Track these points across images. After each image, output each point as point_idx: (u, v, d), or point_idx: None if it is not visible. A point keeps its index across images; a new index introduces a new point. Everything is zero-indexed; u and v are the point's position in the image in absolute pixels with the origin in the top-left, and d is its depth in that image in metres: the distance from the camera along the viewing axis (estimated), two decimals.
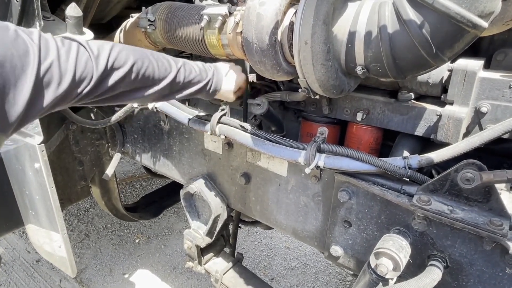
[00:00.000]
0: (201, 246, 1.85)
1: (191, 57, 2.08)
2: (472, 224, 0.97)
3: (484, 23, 0.88)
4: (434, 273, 1.02)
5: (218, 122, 1.50)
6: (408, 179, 1.16)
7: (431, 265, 1.06)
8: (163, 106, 1.73)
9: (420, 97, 1.34)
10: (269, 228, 2.20)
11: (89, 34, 1.58)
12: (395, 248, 1.02)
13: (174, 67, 1.19)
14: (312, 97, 1.24)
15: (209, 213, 1.77)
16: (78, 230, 3.83)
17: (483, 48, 1.34)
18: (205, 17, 1.40)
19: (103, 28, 2.13)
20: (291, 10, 1.21)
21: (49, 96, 0.85)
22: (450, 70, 1.20)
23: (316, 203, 1.41)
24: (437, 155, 1.10)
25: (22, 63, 0.78)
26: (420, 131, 1.30)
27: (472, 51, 1.31)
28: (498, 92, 1.15)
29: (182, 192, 1.84)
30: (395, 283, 1.03)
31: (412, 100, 1.31)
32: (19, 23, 1.46)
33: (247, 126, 1.45)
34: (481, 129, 1.20)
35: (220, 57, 1.55)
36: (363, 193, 1.24)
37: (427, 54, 0.96)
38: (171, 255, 3.57)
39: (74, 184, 2.34)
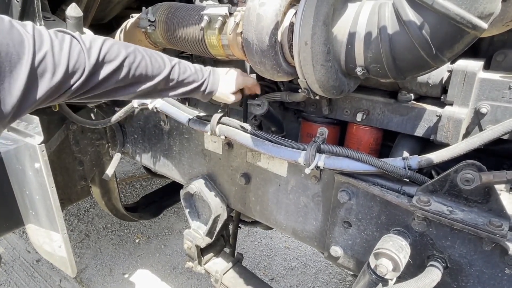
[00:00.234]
0: (201, 246, 1.86)
1: (191, 57, 2.09)
2: (472, 225, 0.97)
3: (484, 24, 0.88)
4: (433, 274, 1.02)
5: (218, 122, 1.50)
6: (407, 180, 1.16)
7: (431, 265, 1.06)
8: (163, 106, 1.73)
9: (420, 98, 1.34)
10: (269, 228, 2.20)
11: (89, 34, 1.58)
12: (394, 249, 1.02)
13: (168, 64, 1.19)
14: (312, 97, 1.24)
15: (209, 213, 1.77)
16: (78, 230, 3.83)
17: (483, 49, 1.34)
18: (205, 17, 1.40)
19: (104, 28, 2.13)
20: (291, 11, 1.21)
21: (43, 87, 0.86)
22: (450, 71, 1.20)
23: (316, 203, 1.42)
24: (436, 156, 1.10)
25: (17, 52, 0.79)
26: (420, 131, 1.31)
27: (472, 52, 1.31)
28: (497, 93, 1.15)
29: (182, 192, 1.85)
30: (394, 283, 1.03)
31: (412, 101, 1.31)
32: None
33: (247, 126, 1.45)
34: (480, 130, 1.20)
35: (220, 57, 1.56)
36: (363, 194, 1.24)
37: (427, 55, 0.96)
38: (171, 255, 3.57)
39: (74, 184, 2.35)
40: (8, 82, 0.78)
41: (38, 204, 1.80)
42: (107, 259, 3.47)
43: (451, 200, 1.05)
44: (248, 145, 1.41)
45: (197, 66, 1.33)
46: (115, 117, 1.97)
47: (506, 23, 1.10)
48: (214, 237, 1.85)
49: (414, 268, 1.14)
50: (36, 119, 1.70)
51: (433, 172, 1.37)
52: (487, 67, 1.28)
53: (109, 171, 2.27)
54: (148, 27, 1.63)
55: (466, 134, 1.23)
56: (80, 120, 2.05)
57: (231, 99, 1.44)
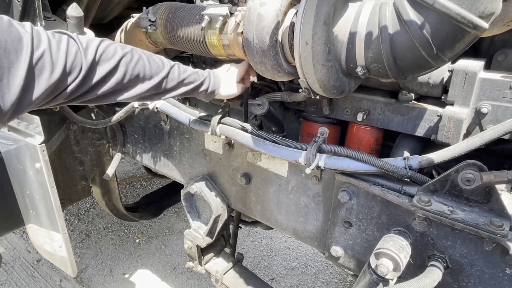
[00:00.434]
0: (202, 246, 1.86)
1: (191, 57, 2.09)
2: (473, 225, 0.97)
3: (485, 24, 0.88)
4: (434, 274, 1.02)
5: (219, 122, 1.50)
6: (408, 180, 1.16)
7: (432, 265, 1.06)
8: (164, 106, 1.73)
9: (420, 98, 1.34)
10: (270, 228, 2.20)
11: (90, 34, 1.58)
12: (395, 249, 1.02)
13: (167, 65, 1.20)
14: (313, 97, 1.24)
15: (210, 213, 1.77)
16: (79, 230, 3.83)
17: (483, 49, 1.34)
18: (206, 17, 1.40)
19: (104, 28, 2.13)
20: (292, 11, 1.21)
21: (42, 85, 0.86)
22: (451, 71, 1.20)
23: (316, 203, 1.42)
24: (437, 156, 1.10)
25: (15, 49, 0.80)
26: (420, 131, 1.30)
27: (473, 52, 1.31)
28: (498, 93, 1.15)
29: (182, 192, 1.85)
30: (395, 283, 1.03)
31: (413, 101, 1.31)
32: None
33: (248, 126, 1.45)
34: (481, 129, 1.20)
35: (221, 57, 1.56)
36: (363, 194, 1.24)
37: (428, 54, 0.96)
38: (172, 255, 3.57)
39: (74, 184, 2.35)
40: (7, 78, 0.79)
41: (39, 204, 1.80)
42: (108, 259, 3.47)
43: (452, 200, 1.05)
44: (248, 145, 1.41)
45: (196, 69, 1.34)
46: (115, 117, 1.97)
47: (507, 23, 1.10)
48: (214, 237, 1.85)
49: (414, 268, 1.14)
50: (36, 119, 1.70)
51: (433, 172, 1.37)
52: (488, 67, 1.28)
53: (110, 171, 2.27)
54: (149, 27, 1.63)
55: (467, 134, 1.23)
56: (81, 120, 2.05)
57: (237, 90, 1.42)
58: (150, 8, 1.66)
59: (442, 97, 1.24)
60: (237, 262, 1.96)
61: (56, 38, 0.91)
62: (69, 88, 0.93)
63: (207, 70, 1.37)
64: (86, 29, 1.58)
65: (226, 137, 1.50)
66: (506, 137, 1.05)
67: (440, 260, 1.08)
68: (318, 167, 1.24)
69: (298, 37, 1.09)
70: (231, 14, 1.38)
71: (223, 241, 2.06)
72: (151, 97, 1.21)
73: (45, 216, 1.81)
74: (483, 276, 1.04)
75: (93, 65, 0.97)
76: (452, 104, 1.21)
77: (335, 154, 1.23)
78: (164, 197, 3.17)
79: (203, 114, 1.63)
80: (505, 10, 1.03)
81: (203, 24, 1.40)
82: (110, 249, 3.60)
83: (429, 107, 1.27)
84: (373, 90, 1.43)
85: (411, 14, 0.93)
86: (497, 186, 0.99)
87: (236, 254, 2.08)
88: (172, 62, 1.23)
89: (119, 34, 1.89)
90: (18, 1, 1.44)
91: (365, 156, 1.15)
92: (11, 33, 0.80)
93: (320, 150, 1.25)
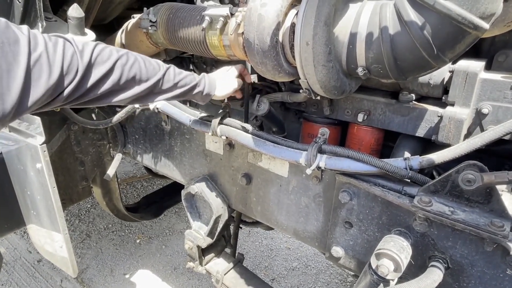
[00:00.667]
0: (202, 247, 1.86)
1: (192, 58, 2.09)
2: (473, 225, 0.97)
3: (485, 25, 0.88)
4: (435, 274, 1.02)
5: (220, 122, 1.50)
6: (409, 180, 1.16)
7: (432, 266, 1.06)
8: (165, 106, 1.74)
9: (421, 98, 1.34)
10: (270, 228, 2.21)
11: (91, 35, 1.58)
12: (396, 249, 1.02)
13: (162, 67, 1.21)
14: (313, 98, 1.24)
15: (210, 214, 1.77)
16: (79, 230, 3.83)
17: (484, 49, 1.34)
18: (207, 18, 1.41)
19: (105, 29, 2.13)
20: (293, 11, 1.21)
21: (41, 87, 0.87)
22: (451, 71, 1.20)
23: (317, 204, 1.42)
24: (438, 156, 1.10)
25: (13, 51, 0.81)
26: (421, 132, 1.30)
27: (473, 52, 1.31)
28: (499, 93, 1.15)
29: (183, 192, 1.85)
30: (396, 284, 1.03)
31: (413, 101, 1.31)
32: (21, 24, 1.47)
33: (248, 127, 1.45)
34: (482, 130, 1.20)
35: (222, 58, 1.56)
36: (364, 194, 1.24)
37: (428, 55, 0.96)
38: (172, 255, 3.57)
39: (75, 184, 2.35)
40: (6, 80, 0.80)
41: (40, 204, 1.81)
42: (108, 260, 3.48)
43: (452, 200, 1.05)
44: (249, 145, 1.41)
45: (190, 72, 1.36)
46: (116, 118, 1.97)
47: (507, 24, 1.10)
48: (215, 238, 1.85)
49: (415, 269, 1.14)
50: (37, 119, 1.70)
51: (434, 173, 1.37)
52: (488, 68, 1.28)
53: (110, 171, 2.27)
54: (150, 28, 1.63)
55: (468, 135, 1.23)
56: (82, 120, 2.06)
57: (233, 86, 1.43)
58: (151, 8, 1.67)
59: (443, 98, 1.24)
60: (238, 263, 1.96)
61: (52, 41, 0.92)
62: (67, 90, 0.94)
63: (203, 74, 1.39)
64: (87, 30, 1.58)
65: (226, 137, 1.50)
66: (507, 137, 1.05)
67: (441, 261, 1.08)
68: (318, 167, 1.24)
69: (299, 37, 1.09)
70: (232, 14, 1.38)
71: (223, 242, 2.06)
72: (146, 98, 1.22)
73: (46, 216, 1.82)
74: (484, 277, 1.04)
75: (89, 67, 0.98)
76: (452, 105, 1.21)
77: (336, 154, 1.23)
78: (165, 198, 3.17)
79: (203, 114, 1.64)
80: (505, 11, 1.03)
81: (204, 24, 1.41)
82: (110, 250, 3.60)
83: (430, 107, 1.27)
84: (374, 91, 1.43)
85: (412, 15, 0.93)
86: (498, 187, 0.99)
87: (236, 254, 2.09)
88: (168, 64, 1.25)
89: (120, 34, 1.89)
90: (20, 2, 1.44)
91: (366, 157, 1.15)
92: (8, 35, 0.81)
93: (321, 151, 1.25)
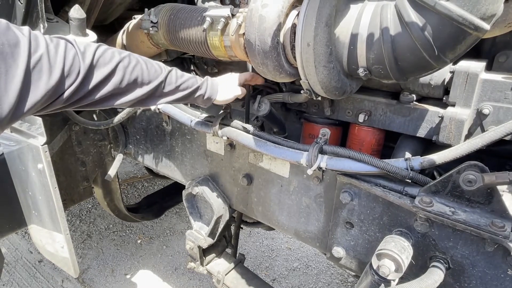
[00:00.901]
0: (203, 247, 1.86)
1: (193, 58, 2.09)
2: (474, 226, 0.98)
3: (486, 25, 0.88)
4: (436, 274, 1.02)
5: (221, 123, 1.51)
6: (410, 181, 1.16)
7: (433, 266, 1.06)
8: (166, 107, 1.74)
9: (422, 99, 1.34)
10: (271, 229, 2.21)
11: (92, 35, 1.59)
12: (397, 250, 1.02)
13: (164, 69, 1.20)
14: (314, 98, 1.24)
15: (211, 214, 1.77)
16: (80, 231, 3.84)
17: (485, 50, 1.34)
18: (208, 19, 1.41)
19: (106, 29, 2.14)
20: (294, 12, 1.21)
21: (41, 89, 0.86)
22: (452, 72, 1.20)
23: (318, 204, 1.42)
24: (439, 157, 1.10)
25: (12, 53, 0.80)
26: (422, 132, 1.31)
27: (474, 53, 1.31)
28: (500, 94, 1.15)
29: (184, 193, 1.85)
30: (397, 284, 1.03)
31: (414, 102, 1.31)
32: (23, 25, 1.47)
33: (249, 127, 1.45)
34: (483, 130, 1.20)
35: (222, 58, 1.56)
36: (365, 195, 1.24)
37: (429, 56, 0.96)
38: (173, 255, 3.58)
39: (76, 184, 2.35)
40: (4, 82, 0.79)
41: (41, 204, 1.81)
42: (109, 260, 3.48)
43: (453, 201, 1.05)
44: (250, 146, 1.42)
45: (192, 74, 1.34)
46: (117, 118, 1.98)
47: (508, 24, 1.10)
48: (216, 238, 1.86)
49: (416, 269, 1.14)
50: (39, 120, 1.71)
51: (435, 173, 1.37)
52: (489, 68, 1.28)
53: (111, 171, 2.28)
54: (151, 28, 1.63)
55: (468, 135, 1.23)
56: (83, 121, 2.06)
57: (236, 93, 1.42)
58: (152, 9, 1.67)
59: (444, 98, 1.24)
60: (239, 263, 1.97)
61: (54, 42, 0.92)
62: (67, 92, 0.93)
63: (206, 77, 1.37)
64: (88, 31, 1.59)
65: (227, 138, 1.50)
66: (508, 138, 1.05)
67: (442, 261, 1.08)
68: (319, 168, 1.24)
69: (300, 38, 1.09)
70: (233, 15, 1.38)
71: (224, 242, 2.06)
72: (147, 101, 1.20)
73: (47, 216, 1.82)
74: (485, 277, 1.04)
75: (91, 68, 0.98)
76: (453, 105, 1.21)
77: (337, 155, 1.23)
78: (166, 198, 3.18)
79: (205, 115, 1.64)
80: (506, 12, 1.04)
81: (205, 25, 1.41)
82: (111, 250, 3.61)
83: (431, 108, 1.27)
84: (375, 91, 1.43)
85: (413, 16, 0.94)
86: (499, 187, 0.99)
87: (237, 255, 2.09)
88: (169, 67, 1.24)
89: (121, 35, 1.90)
90: (21, 3, 1.44)
91: (367, 157, 1.15)
92: (9, 37, 0.80)
93: (322, 151, 1.26)
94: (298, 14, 1.17)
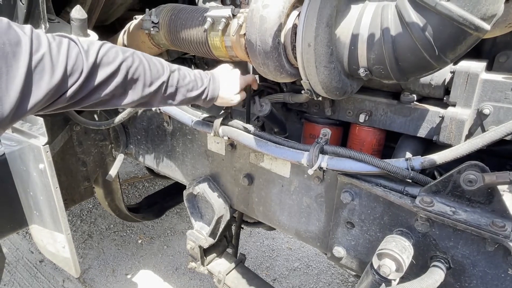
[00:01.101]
0: (204, 247, 1.86)
1: (194, 58, 2.09)
2: (475, 225, 0.98)
3: (487, 26, 0.88)
4: (436, 274, 1.03)
5: (221, 123, 1.51)
6: (410, 181, 1.16)
7: (434, 266, 1.06)
8: (167, 107, 1.74)
9: (422, 99, 1.34)
10: (272, 229, 2.21)
11: (93, 36, 1.59)
12: (397, 249, 1.03)
13: (167, 70, 1.17)
14: (315, 98, 1.25)
15: (212, 214, 1.78)
16: (81, 231, 3.84)
17: (485, 50, 1.34)
18: (209, 19, 1.41)
19: (107, 30, 2.14)
20: (294, 13, 1.22)
21: (42, 88, 0.85)
22: (453, 72, 1.20)
23: (319, 204, 1.42)
24: (439, 157, 1.10)
25: (14, 52, 0.79)
26: (422, 132, 1.31)
27: (475, 53, 1.31)
28: (500, 94, 1.15)
29: (185, 193, 1.85)
30: (397, 284, 1.03)
31: (415, 102, 1.32)
32: None
33: (250, 127, 1.45)
34: (483, 130, 1.20)
35: (223, 59, 1.56)
36: (366, 194, 1.24)
37: (430, 56, 0.97)
38: (174, 255, 3.58)
39: (77, 184, 2.36)
40: (5, 81, 0.78)
41: (42, 205, 1.81)
42: (110, 260, 3.48)
43: (454, 200, 1.05)
44: (251, 146, 1.42)
45: (197, 73, 1.31)
46: (118, 118, 1.98)
47: (508, 24, 1.10)
48: (217, 238, 1.86)
49: (417, 269, 1.14)
50: (40, 120, 1.71)
51: (436, 173, 1.37)
52: (489, 68, 1.28)
53: (112, 171, 2.28)
54: (152, 29, 1.64)
55: (469, 135, 1.23)
56: (84, 121, 2.06)
57: (235, 101, 1.42)
58: (153, 9, 1.67)
59: (444, 98, 1.24)
60: (240, 263, 1.97)
61: (57, 40, 0.91)
62: (70, 91, 0.92)
63: (208, 74, 1.35)
64: (89, 31, 1.59)
65: (228, 138, 1.50)
66: (508, 138, 1.05)
67: (443, 261, 1.08)
68: (320, 168, 1.24)
69: (301, 39, 1.10)
70: (234, 16, 1.39)
71: (225, 242, 2.06)
72: (147, 104, 1.18)
73: (48, 216, 1.82)
74: (485, 277, 1.04)
75: (94, 67, 0.96)
76: (454, 105, 1.21)
77: (338, 155, 1.23)
78: (166, 198, 3.18)
79: (205, 115, 1.64)
80: (507, 12, 1.04)
81: (206, 26, 1.41)
82: (112, 250, 3.61)
83: (431, 108, 1.28)
84: (375, 92, 1.44)
85: (413, 16, 0.94)
86: (499, 187, 0.99)
87: (238, 254, 2.09)
88: (173, 67, 1.21)
89: (122, 35, 1.90)
90: (23, 4, 1.45)
91: (368, 157, 1.16)
92: (10, 36, 0.79)
93: (323, 151, 1.26)
94: (299, 15, 1.18)
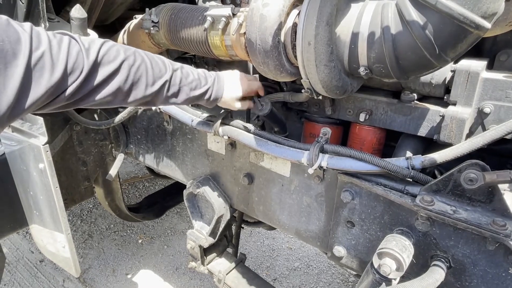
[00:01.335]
0: (204, 247, 1.86)
1: (194, 58, 2.09)
2: (475, 224, 0.98)
3: (487, 24, 0.88)
4: (437, 273, 1.02)
5: (222, 122, 1.51)
6: (411, 180, 1.16)
7: (434, 265, 1.06)
8: (167, 106, 1.74)
9: (423, 98, 1.34)
10: (272, 228, 2.21)
11: (93, 35, 1.59)
12: (398, 248, 1.02)
13: (169, 69, 1.16)
14: (315, 97, 1.25)
15: (212, 214, 1.77)
16: (81, 231, 3.84)
17: (486, 49, 1.34)
18: (209, 18, 1.41)
19: (107, 29, 2.14)
20: (294, 11, 1.21)
21: (42, 86, 0.84)
22: (453, 71, 1.20)
23: (319, 203, 1.42)
24: (440, 156, 1.10)
25: (13, 49, 0.78)
26: (423, 131, 1.31)
27: (475, 52, 1.31)
28: (501, 93, 1.15)
29: (185, 192, 1.85)
30: (398, 283, 1.03)
31: (415, 101, 1.31)
32: None
33: (250, 126, 1.45)
34: (484, 129, 1.20)
35: (223, 58, 1.56)
36: (366, 194, 1.24)
37: (430, 54, 0.96)
38: (174, 255, 3.58)
39: (77, 184, 2.36)
40: (3, 79, 0.77)
41: (42, 204, 1.81)
42: (110, 260, 3.48)
43: (454, 199, 1.05)
44: (251, 145, 1.42)
45: (201, 72, 1.29)
46: (118, 118, 1.98)
47: (509, 23, 1.10)
48: (217, 237, 1.86)
49: (417, 268, 1.14)
50: (40, 119, 1.71)
51: (436, 172, 1.37)
52: (490, 67, 1.28)
53: (113, 171, 2.28)
54: (152, 28, 1.64)
55: (470, 134, 1.23)
56: (84, 120, 2.06)
57: (236, 106, 1.40)
58: (153, 9, 1.67)
59: (445, 97, 1.24)
60: (240, 262, 1.97)
61: (57, 38, 0.90)
62: (69, 90, 0.91)
63: (213, 74, 1.33)
64: (89, 31, 1.59)
65: (228, 137, 1.50)
66: (509, 137, 1.05)
67: (443, 260, 1.08)
68: (320, 167, 1.24)
69: (301, 37, 1.09)
70: (234, 15, 1.39)
71: (225, 242, 2.06)
72: (149, 103, 1.17)
73: (48, 216, 1.82)
74: (486, 276, 1.04)
75: (95, 66, 0.95)
76: (454, 104, 1.21)
77: (338, 154, 1.23)
78: (167, 198, 3.18)
79: (205, 114, 1.64)
80: (507, 10, 1.03)
81: (206, 25, 1.41)
82: (112, 250, 3.61)
83: (432, 107, 1.27)
84: (376, 90, 1.43)
85: (414, 15, 0.94)
86: (500, 186, 0.99)
87: (238, 254, 2.09)
88: (176, 65, 1.19)
89: (122, 35, 1.90)
90: (23, 3, 1.45)
91: (368, 156, 1.15)
92: (9, 33, 0.78)
93: (323, 150, 1.26)
94: (299, 13, 1.17)
